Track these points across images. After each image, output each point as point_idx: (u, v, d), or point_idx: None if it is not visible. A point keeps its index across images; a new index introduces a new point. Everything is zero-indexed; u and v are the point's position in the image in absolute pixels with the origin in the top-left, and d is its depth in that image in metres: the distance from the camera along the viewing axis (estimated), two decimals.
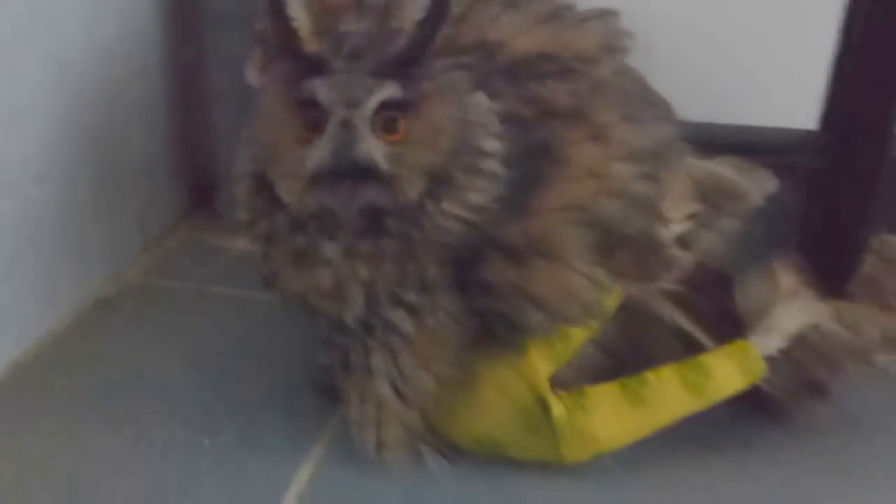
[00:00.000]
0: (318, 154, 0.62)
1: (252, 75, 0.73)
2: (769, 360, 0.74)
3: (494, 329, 0.70)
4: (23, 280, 0.89)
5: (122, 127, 1.02)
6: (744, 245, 0.75)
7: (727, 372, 0.74)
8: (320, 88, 0.61)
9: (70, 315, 0.96)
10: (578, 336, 0.72)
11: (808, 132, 0.80)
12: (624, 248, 0.70)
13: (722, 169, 0.77)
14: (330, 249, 0.66)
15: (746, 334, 0.75)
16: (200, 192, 1.18)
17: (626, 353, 0.77)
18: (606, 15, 0.75)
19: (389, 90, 0.61)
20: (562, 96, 0.69)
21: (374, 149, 0.62)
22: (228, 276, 1.05)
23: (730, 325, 0.77)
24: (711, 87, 0.88)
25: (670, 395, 0.73)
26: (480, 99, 0.67)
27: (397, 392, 0.72)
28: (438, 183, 0.65)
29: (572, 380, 0.74)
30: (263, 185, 0.67)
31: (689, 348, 0.76)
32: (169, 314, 0.98)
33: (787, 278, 0.77)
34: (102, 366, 0.89)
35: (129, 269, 1.06)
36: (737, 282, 0.78)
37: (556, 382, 0.73)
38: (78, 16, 0.94)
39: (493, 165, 0.66)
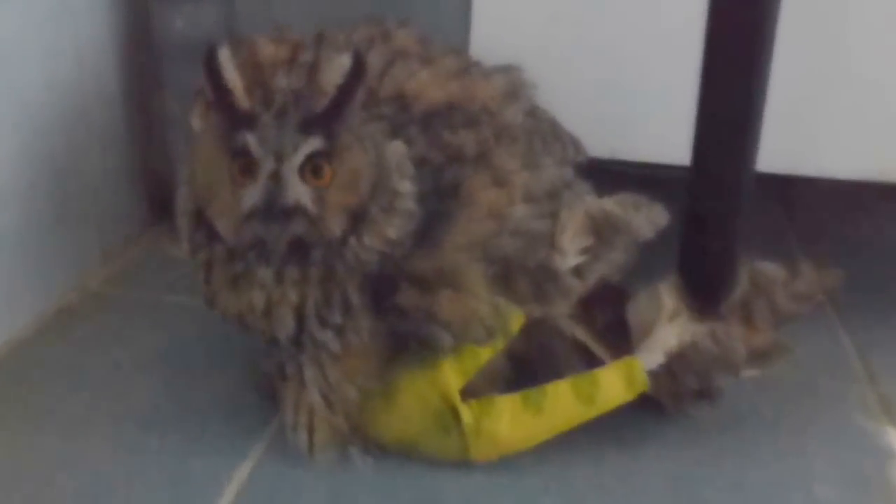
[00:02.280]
0: (251, 198, 0.69)
1: (196, 122, 0.78)
2: (651, 374, 0.83)
3: (409, 347, 0.78)
4: None
5: (82, 149, 1.09)
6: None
7: (615, 385, 0.83)
8: (252, 142, 0.68)
9: (34, 322, 1.03)
10: (485, 353, 0.80)
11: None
12: (523, 277, 0.78)
13: (615, 207, 0.85)
14: (263, 274, 0.73)
15: (634, 349, 0.85)
16: (158, 207, 1.24)
17: (536, 362, 0.86)
18: (510, 69, 0.82)
19: (313, 144, 0.68)
20: (469, 144, 0.75)
21: (301, 194, 0.69)
22: (182, 286, 1.10)
23: (623, 337, 0.87)
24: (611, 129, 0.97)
25: (565, 405, 0.82)
26: (397, 146, 0.73)
27: (326, 400, 0.80)
28: (359, 220, 0.72)
29: (485, 388, 0.82)
30: (202, 221, 0.74)
31: (588, 358, 0.86)
32: (126, 322, 1.05)
33: (670, 300, 0.86)
34: (61, 371, 0.95)
35: (90, 280, 1.12)
36: (629, 301, 0.89)
37: (470, 391, 0.81)
38: (37, 55, 1.01)
39: (407, 204, 0.73)
